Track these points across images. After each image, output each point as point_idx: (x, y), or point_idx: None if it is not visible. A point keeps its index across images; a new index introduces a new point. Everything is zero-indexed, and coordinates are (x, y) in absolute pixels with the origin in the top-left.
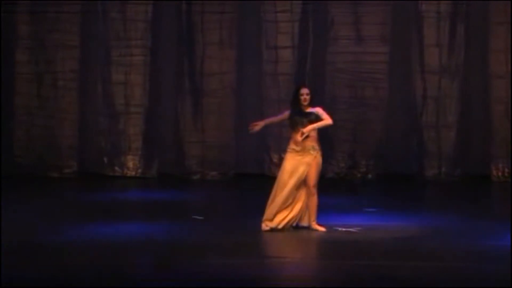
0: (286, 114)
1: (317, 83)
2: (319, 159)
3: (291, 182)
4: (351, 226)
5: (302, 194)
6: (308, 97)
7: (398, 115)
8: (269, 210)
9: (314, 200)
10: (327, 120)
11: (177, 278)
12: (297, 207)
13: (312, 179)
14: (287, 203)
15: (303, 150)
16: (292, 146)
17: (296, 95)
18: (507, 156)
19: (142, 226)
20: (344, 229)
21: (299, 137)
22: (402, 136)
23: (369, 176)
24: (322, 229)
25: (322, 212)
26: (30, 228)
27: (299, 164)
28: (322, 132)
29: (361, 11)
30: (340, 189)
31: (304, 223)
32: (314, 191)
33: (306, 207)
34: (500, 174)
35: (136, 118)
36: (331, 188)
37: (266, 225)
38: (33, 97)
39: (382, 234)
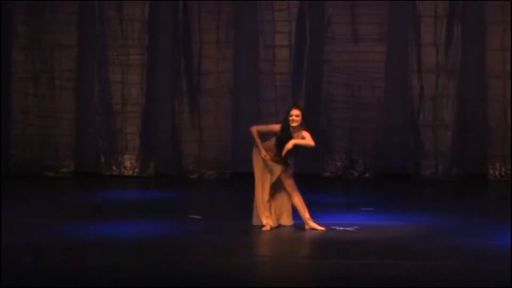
0: (276, 128)
1: (314, 82)
2: (286, 169)
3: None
4: (348, 225)
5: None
6: (297, 119)
7: (395, 114)
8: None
9: (298, 195)
10: (309, 141)
11: (173, 278)
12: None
13: (287, 179)
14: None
15: (276, 161)
16: (269, 154)
17: (287, 116)
18: (504, 155)
19: (139, 225)
20: (341, 228)
21: (283, 152)
22: (399, 135)
23: (366, 175)
24: (320, 228)
25: (319, 211)
26: (28, 228)
27: (270, 169)
28: (319, 132)
29: (358, 10)
30: (337, 188)
31: (284, 222)
32: (294, 186)
33: (282, 206)
34: (497, 173)
35: (133, 117)
36: (328, 187)
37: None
38: (30, 97)
39: (379, 233)
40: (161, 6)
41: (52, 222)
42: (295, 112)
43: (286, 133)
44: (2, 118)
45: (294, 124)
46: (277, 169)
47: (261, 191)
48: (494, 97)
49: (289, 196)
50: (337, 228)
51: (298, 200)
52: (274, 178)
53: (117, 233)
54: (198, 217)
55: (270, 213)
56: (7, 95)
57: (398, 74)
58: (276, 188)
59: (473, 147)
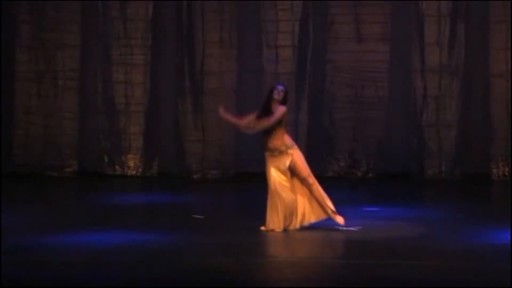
0: (251, 117)
1: (317, 82)
2: (296, 153)
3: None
4: (351, 225)
5: (300, 191)
6: (280, 92)
7: (398, 114)
8: (277, 219)
9: (317, 188)
10: (267, 120)
11: (175, 278)
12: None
13: (304, 171)
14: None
15: (278, 152)
16: (267, 152)
17: (270, 91)
18: (507, 155)
19: (143, 225)
20: (344, 228)
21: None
22: (402, 135)
23: (370, 175)
24: (341, 220)
25: None
26: (30, 228)
27: (280, 169)
28: (322, 132)
29: (361, 10)
30: (341, 188)
31: (313, 219)
32: (311, 180)
33: (310, 202)
34: (500, 173)
35: (137, 117)
36: (331, 187)
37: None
38: (33, 96)
39: (382, 233)
40: (165, 6)
41: (54, 223)
42: (280, 87)
43: (265, 110)
44: (5, 118)
45: (276, 96)
46: (283, 162)
47: (278, 195)
48: (497, 97)
49: (311, 191)
50: (340, 228)
51: (319, 192)
52: (283, 168)
53: (119, 234)
54: (201, 216)
55: (296, 214)
56: (10, 95)
57: (401, 74)
58: (297, 187)
59: (476, 147)
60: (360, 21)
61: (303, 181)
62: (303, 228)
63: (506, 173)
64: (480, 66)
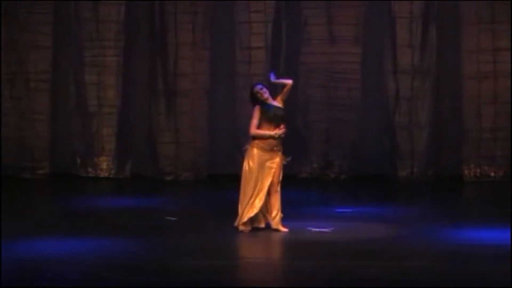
0: (257, 111)
1: None
2: (281, 157)
3: (266, 185)
4: (323, 226)
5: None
6: (263, 90)
7: (371, 116)
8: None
9: (279, 197)
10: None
11: (149, 280)
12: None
13: (278, 177)
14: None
15: (271, 149)
16: (260, 144)
17: (254, 95)
18: (479, 156)
19: (117, 227)
20: (317, 230)
21: (279, 131)
22: (375, 137)
23: (343, 176)
24: (284, 229)
25: (295, 212)
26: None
27: (268, 165)
28: (295, 132)
29: (334, 12)
30: (313, 189)
31: (262, 224)
32: (278, 188)
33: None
34: (472, 174)
35: (109, 118)
36: (304, 188)
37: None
38: (5, 98)
39: (355, 234)
40: (137, 7)
41: (27, 226)
42: (258, 87)
43: (270, 106)
44: None
45: (266, 95)
46: (277, 162)
47: (252, 194)
48: (469, 98)
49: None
50: (312, 229)
51: (278, 200)
52: (278, 171)
53: (94, 235)
54: (173, 218)
55: (263, 214)
56: None
57: (374, 75)
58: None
59: (448, 148)
60: (333, 22)
61: (272, 185)
62: (275, 230)
63: (478, 174)
64: (451, 67)
